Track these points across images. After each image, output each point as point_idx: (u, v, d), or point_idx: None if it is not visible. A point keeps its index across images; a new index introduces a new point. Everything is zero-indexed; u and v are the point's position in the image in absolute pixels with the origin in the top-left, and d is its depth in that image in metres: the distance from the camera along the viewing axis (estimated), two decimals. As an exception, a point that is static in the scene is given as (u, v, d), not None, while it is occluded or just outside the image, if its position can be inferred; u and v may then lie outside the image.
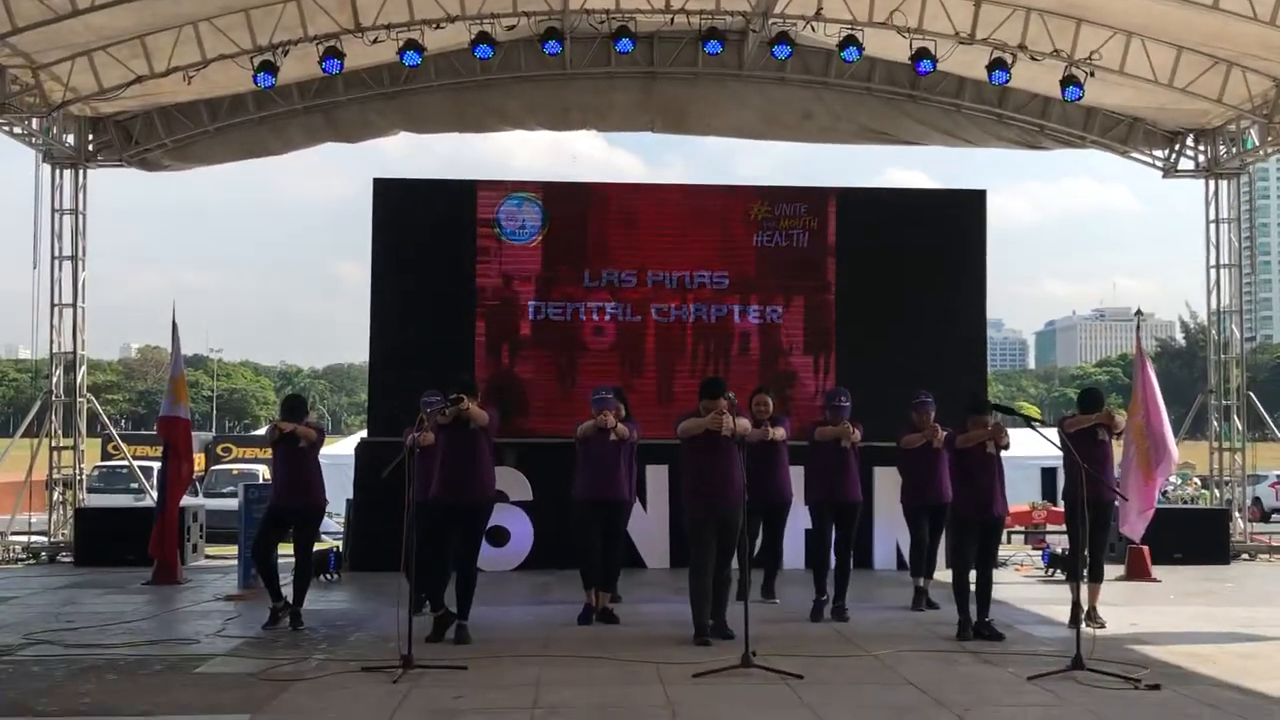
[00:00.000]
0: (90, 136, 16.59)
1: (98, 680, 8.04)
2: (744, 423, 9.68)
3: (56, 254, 16.59)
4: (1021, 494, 20.46)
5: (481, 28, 14.38)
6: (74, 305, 16.65)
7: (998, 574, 14.43)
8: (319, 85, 16.15)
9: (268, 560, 10.55)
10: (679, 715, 7.01)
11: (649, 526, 14.55)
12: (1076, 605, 10.01)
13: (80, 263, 16.71)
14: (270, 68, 14.21)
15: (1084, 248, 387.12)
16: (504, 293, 15.71)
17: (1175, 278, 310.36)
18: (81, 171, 16.72)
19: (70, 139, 16.37)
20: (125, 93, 14.97)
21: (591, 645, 9.42)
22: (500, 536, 14.46)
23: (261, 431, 45.94)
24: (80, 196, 16.73)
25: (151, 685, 7.90)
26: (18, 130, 15.45)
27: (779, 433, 11.41)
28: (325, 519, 13.55)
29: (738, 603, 9.30)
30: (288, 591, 10.50)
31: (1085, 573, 10.47)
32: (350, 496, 15.33)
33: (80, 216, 16.73)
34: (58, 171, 16.61)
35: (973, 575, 9.93)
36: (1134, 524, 12.82)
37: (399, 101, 16.54)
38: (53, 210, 16.57)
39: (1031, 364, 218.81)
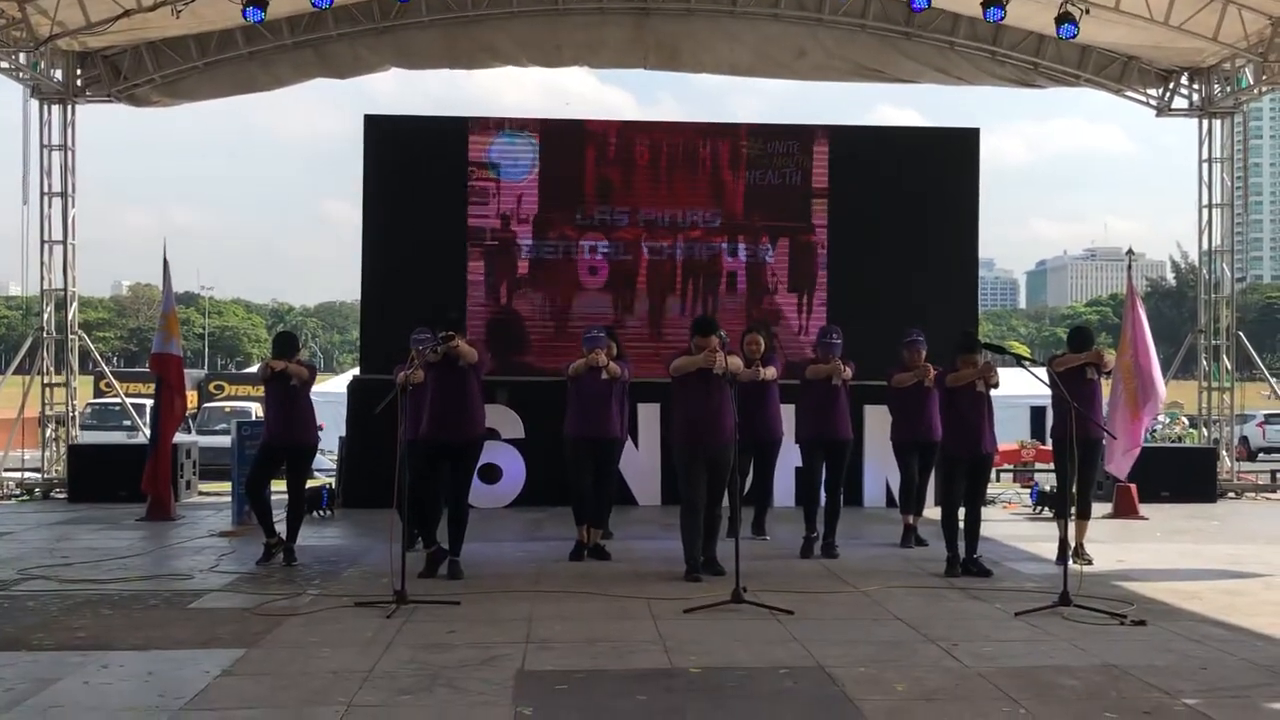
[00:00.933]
0: (79, 72, 16.47)
1: (93, 615, 8.10)
2: (735, 361, 9.71)
3: (46, 190, 16.53)
4: (1010, 432, 20.57)
5: (473, -38, 14.24)
6: (64, 242, 16.60)
7: (986, 512, 14.59)
8: (309, 20, 16.03)
9: (261, 496, 10.59)
10: (670, 650, 7.08)
11: (640, 464, 14.63)
12: (1064, 542, 10.11)
13: (70, 199, 16.64)
14: (259, 2, 14.04)
15: (1075, 188, 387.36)
16: (497, 231, 15.68)
17: (1165, 218, 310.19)
18: (70, 107, 16.61)
19: (58, 74, 16.25)
20: (113, 27, 14.81)
21: (583, 581, 9.49)
22: (492, 473, 14.53)
23: (254, 369, 45.92)
24: (69, 132, 16.64)
25: (146, 620, 7.96)
26: (4, 65, 15.35)
27: (770, 372, 11.41)
28: (318, 456, 13.61)
29: (728, 539, 9.36)
30: (281, 528, 10.55)
31: (1073, 510, 10.54)
32: (343, 434, 15.39)
33: (69, 152, 16.64)
34: (46, 107, 16.50)
35: (962, 512, 10.00)
36: (1119, 462, 12.88)
37: (390, 37, 16.41)
38: (41, 146, 16.49)
39: (1022, 304, 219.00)
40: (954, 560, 9.92)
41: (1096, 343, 10.94)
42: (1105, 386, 11.40)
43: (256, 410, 26.12)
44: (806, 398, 11.30)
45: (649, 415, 14.51)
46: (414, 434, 9.77)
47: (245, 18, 14.27)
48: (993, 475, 19.86)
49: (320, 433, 12.22)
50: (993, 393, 10.00)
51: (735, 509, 9.43)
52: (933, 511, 11.40)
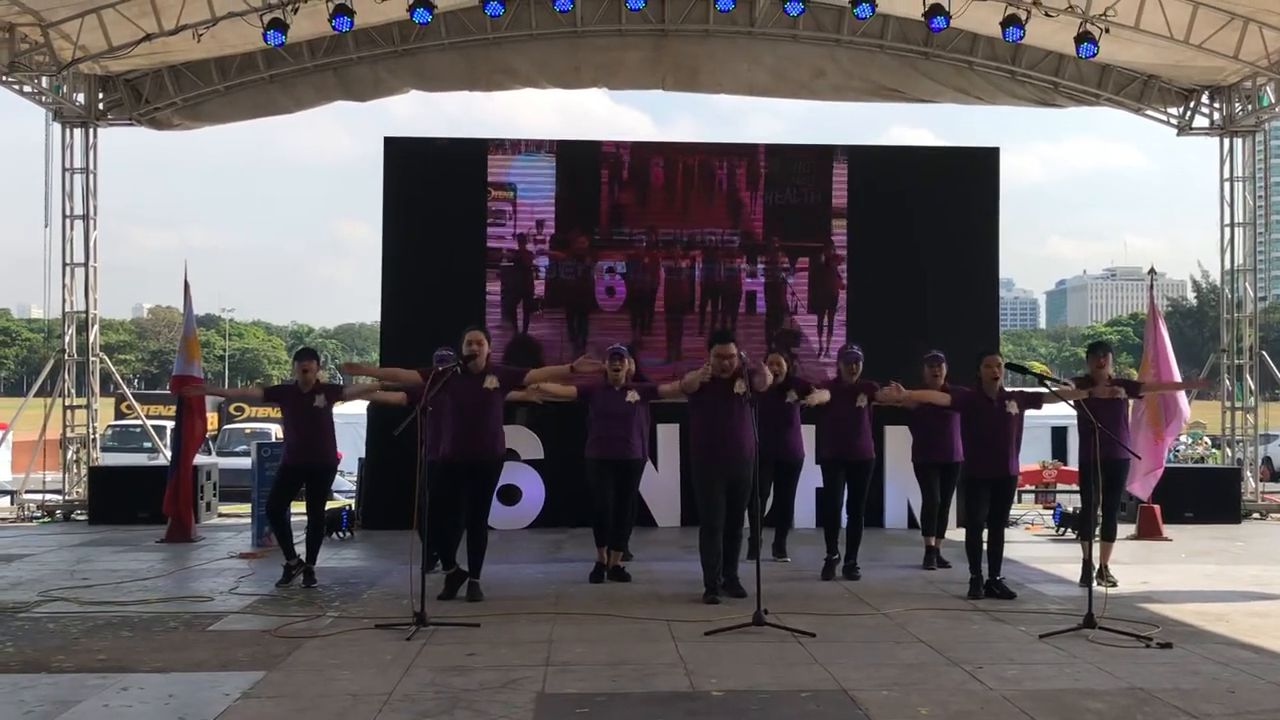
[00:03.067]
0: (100, 95, 16.57)
1: (113, 637, 8.10)
2: (764, 375, 9.61)
3: (68, 213, 16.60)
4: (1032, 453, 20.44)
5: (492, -16, 14.28)
6: (85, 264, 16.67)
7: (1008, 533, 14.51)
8: (329, 43, 16.09)
9: (282, 518, 10.59)
10: (691, 672, 7.03)
11: (660, 485, 14.58)
12: (1088, 564, 10.02)
13: (92, 222, 16.72)
14: (280, 25, 14.12)
15: (1092, 207, 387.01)
16: (516, 252, 15.71)
17: (1185, 237, 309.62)
18: (92, 130, 16.70)
19: (80, 98, 16.33)
20: (135, 51, 14.89)
21: (603, 603, 9.45)
22: (512, 495, 14.50)
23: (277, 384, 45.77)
24: (91, 155, 16.72)
25: (166, 642, 7.95)
26: (28, 89, 15.43)
27: (823, 395, 11.21)
28: (338, 477, 13.60)
29: (749, 561, 9.34)
30: (301, 550, 10.55)
31: (1097, 531, 10.47)
32: (362, 455, 15.39)
33: (91, 175, 16.72)
34: (68, 130, 16.58)
35: (985, 534, 9.93)
36: (1142, 483, 12.82)
37: (410, 60, 16.47)
38: (63, 169, 16.57)
39: (1043, 323, 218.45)
40: (977, 582, 9.85)
41: (1113, 358, 10.84)
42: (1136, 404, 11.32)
43: (276, 432, 26.17)
44: (828, 417, 11.25)
45: (668, 436, 14.46)
46: (435, 454, 9.76)
47: (266, 41, 14.33)
48: (1015, 496, 19.81)
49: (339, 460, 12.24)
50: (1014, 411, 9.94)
51: (756, 530, 9.38)
52: (955, 533, 11.33)
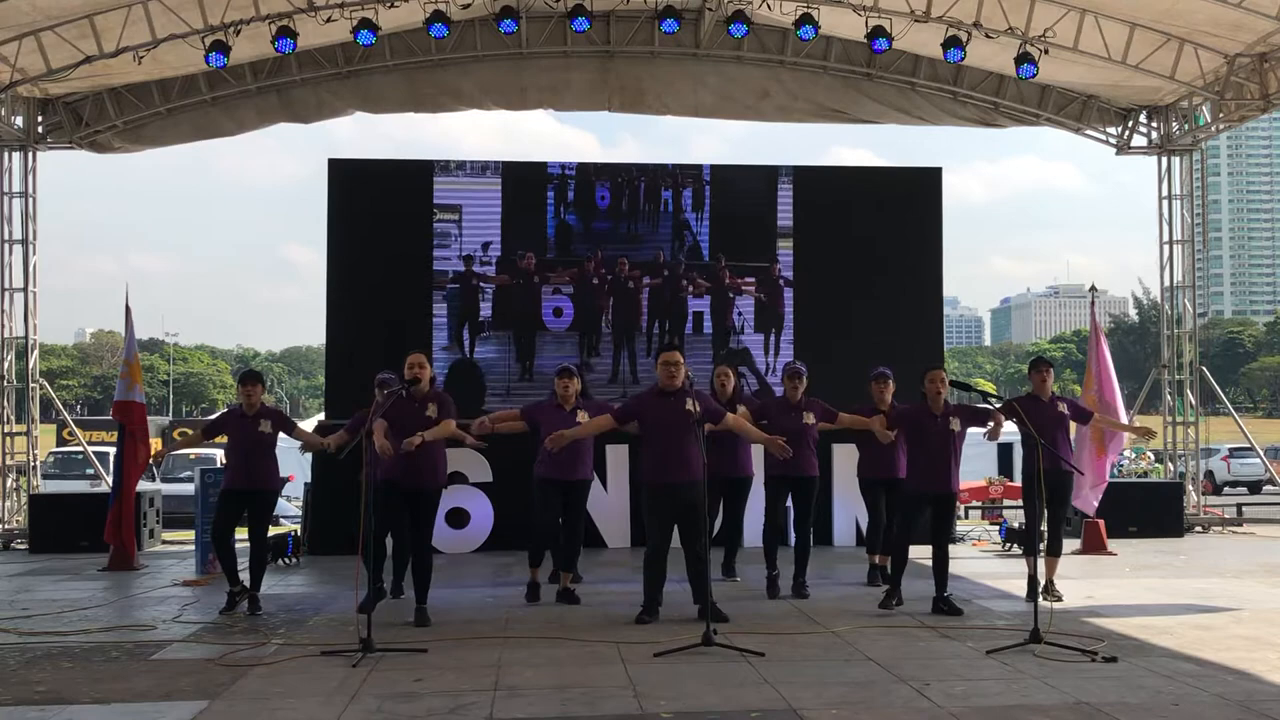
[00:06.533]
0: (39, 118, 16.37)
1: (52, 668, 7.95)
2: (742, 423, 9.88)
3: (6, 238, 16.39)
4: (978, 469, 20.63)
5: (436, 6, 14.26)
6: (25, 289, 16.44)
7: (955, 549, 14.58)
8: (272, 65, 16.01)
9: (227, 544, 10.44)
10: (641, 695, 7.00)
11: (610, 506, 14.56)
12: (1032, 579, 10.09)
13: (31, 246, 16.51)
14: (222, 47, 14.03)
15: (1033, 226, 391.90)
16: (462, 273, 15.65)
17: (1125, 254, 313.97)
18: (31, 154, 16.49)
19: (19, 121, 16.13)
20: (74, 73, 14.74)
21: (552, 626, 9.40)
22: (460, 518, 14.42)
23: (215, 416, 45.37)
24: (30, 179, 16.51)
25: (107, 672, 7.82)
26: (-36, 112, 15.23)
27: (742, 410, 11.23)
28: (285, 502, 13.44)
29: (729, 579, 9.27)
30: (245, 576, 10.41)
31: (1042, 547, 10.54)
32: (308, 480, 15.25)
33: (30, 200, 16.51)
34: (6, 154, 16.38)
35: (929, 551, 10.00)
36: (1086, 498, 12.94)
37: (353, 81, 16.42)
38: (1, 193, 16.34)
39: (988, 340, 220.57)
40: (893, 593, 9.99)
41: (1053, 373, 10.94)
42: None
43: (220, 457, 25.88)
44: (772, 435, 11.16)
45: (617, 456, 14.43)
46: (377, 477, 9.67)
47: (208, 63, 14.23)
48: (961, 512, 19.93)
49: (288, 483, 12.08)
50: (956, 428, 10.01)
51: (705, 549, 9.33)
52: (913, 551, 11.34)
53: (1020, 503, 10.94)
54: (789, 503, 11.40)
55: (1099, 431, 12.65)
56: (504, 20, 14.61)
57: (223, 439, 10.96)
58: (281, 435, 10.60)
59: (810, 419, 11.10)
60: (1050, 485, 10.02)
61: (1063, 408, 10.69)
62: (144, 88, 16.11)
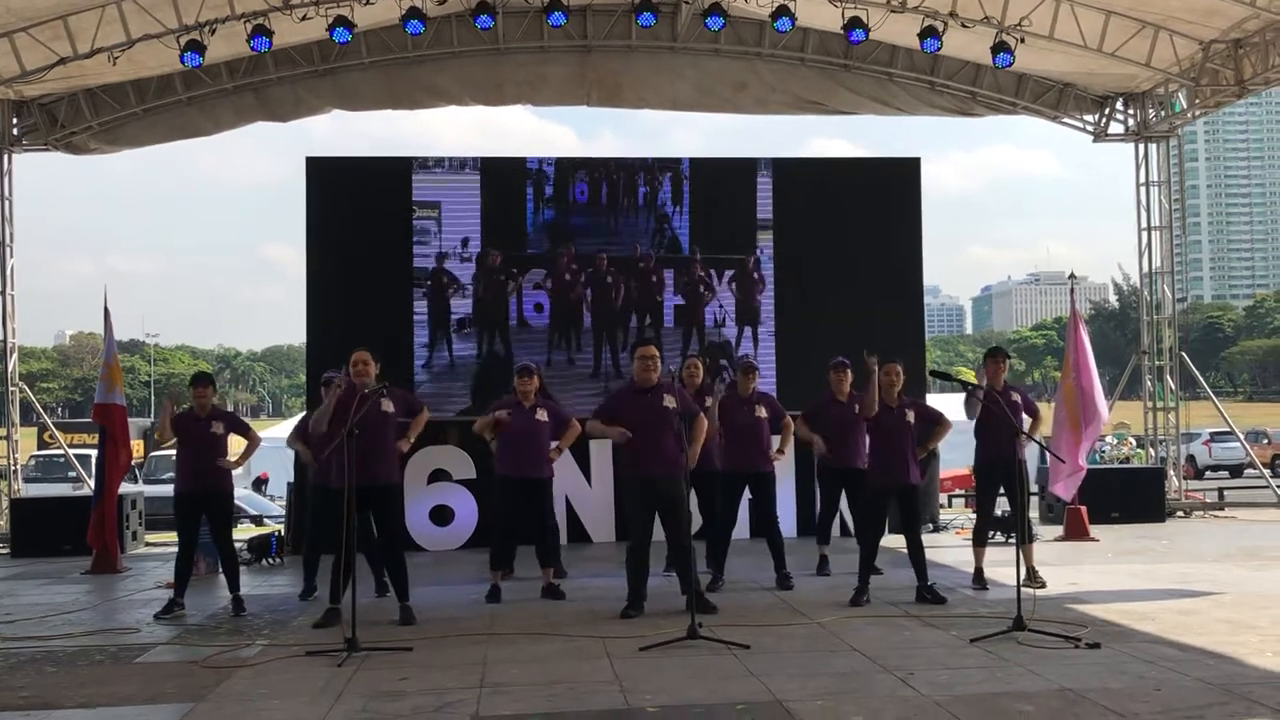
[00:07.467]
0: (14, 120, 16.30)
1: (36, 673, 7.92)
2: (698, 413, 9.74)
3: (-17, 241, 16.31)
4: (962, 458, 20.64)
5: (412, 3, 14.21)
6: (3, 292, 16.39)
7: (938, 538, 14.65)
8: (248, 64, 15.96)
9: (190, 556, 10.40)
10: (627, 690, 7.01)
11: (595, 500, 14.57)
12: (979, 571, 10.50)
13: (8, 249, 16.45)
14: (197, 47, 13.97)
15: (1012, 214, 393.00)
16: (441, 271, 15.62)
17: (1104, 241, 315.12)
18: (6, 156, 16.43)
19: (-7, 123, 16.05)
20: (49, 75, 14.66)
21: (538, 622, 9.40)
22: (444, 515, 14.41)
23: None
24: (6, 181, 16.46)
25: (91, 676, 7.79)
26: (-62, 115, 15.14)
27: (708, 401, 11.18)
28: (268, 502, 13.39)
29: (668, 574, 9.26)
30: (224, 590, 10.30)
31: (997, 535, 10.61)
32: (291, 480, 15.20)
33: (7, 202, 16.46)
34: (-19, 157, 16.30)
35: (903, 541, 10.10)
36: (1065, 484, 12.97)
37: (330, 79, 16.38)
38: (-23, 196, 16.28)
39: (969, 329, 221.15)
40: (862, 590, 9.97)
41: (1005, 368, 10.97)
42: (1046, 409, 11.44)
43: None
44: (729, 430, 11.12)
45: (601, 452, 14.44)
46: (326, 479, 9.65)
47: (184, 63, 14.17)
48: (944, 500, 20.00)
49: (265, 484, 12.04)
50: (950, 417, 10.08)
51: (687, 539, 9.33)
52: (888, 540, 11.33)
53: (1002, 491, 10.91)
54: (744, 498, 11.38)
55: (1075, 417, 12.68)
56: (480, 16, 14.57)
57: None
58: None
59: (762, 412, 11.12)
60: (1006, 476, 10.09)
61: (1016, 398, 10.72)
62: (120, 88, 16.04)
